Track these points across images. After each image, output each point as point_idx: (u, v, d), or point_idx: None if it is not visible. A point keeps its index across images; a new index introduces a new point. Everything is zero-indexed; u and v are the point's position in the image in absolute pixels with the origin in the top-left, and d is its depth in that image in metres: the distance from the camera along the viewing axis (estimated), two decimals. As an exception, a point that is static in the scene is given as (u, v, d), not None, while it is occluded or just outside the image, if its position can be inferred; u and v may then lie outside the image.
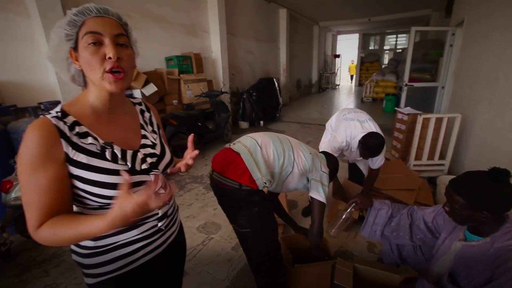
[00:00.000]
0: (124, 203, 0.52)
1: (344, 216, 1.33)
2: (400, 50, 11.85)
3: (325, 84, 12.77)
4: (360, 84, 13.26)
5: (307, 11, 8.23)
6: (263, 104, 5.73)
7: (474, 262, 1.00)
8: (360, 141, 1.83)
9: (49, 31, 2.55)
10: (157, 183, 0.56)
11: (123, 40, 0.63)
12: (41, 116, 0.61)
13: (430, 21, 7.59)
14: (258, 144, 1.20)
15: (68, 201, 0.62)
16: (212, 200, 2.74)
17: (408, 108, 3.12)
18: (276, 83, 6.21)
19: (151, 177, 0.70)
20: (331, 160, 1.45)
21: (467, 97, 2.82)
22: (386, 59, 13.64)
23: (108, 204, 0.65)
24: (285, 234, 2.01)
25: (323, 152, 1.50)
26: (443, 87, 4.28)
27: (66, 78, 0.68)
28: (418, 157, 2.76)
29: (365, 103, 8.64)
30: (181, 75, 4.01)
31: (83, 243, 0.69)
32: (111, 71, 0.60)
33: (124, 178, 0.54)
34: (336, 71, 13.68)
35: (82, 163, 0.60)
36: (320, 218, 1.30)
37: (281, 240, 1.54)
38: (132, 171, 0.66)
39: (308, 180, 1.30)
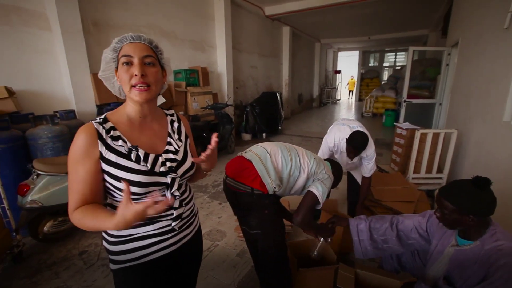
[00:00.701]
0: (125, 211, 0.62)
1: (321, 241, 1.49)
2: (399, 67, 12.18)
3: (326, 99, 13.02)
4: (360, 99, 13.52)
5: (309, 29, 8.57)
6: (265, 117, 5.89)
7: (467, 264, 1.09)
8: (346, 139, 1.95)
9: (68, 44, 2.77)
10: (155, 197, 0.65)
11: (149, 60, 0.76)
12: (90, 121, 0.77)
13: (428, 41, 7.89)
14: (267, 152, 1.31)
15: (99, 192, 0.76)
16: (217, 208, 2.81)
17: (407, 123, 3.24)
18: (278, 97, 6.40)
19: (167, 179, 0.80)
20: (336, 167, 1.54)
21: (463, 114, 2.95)
22: (385, 76, 13.97)
23: (132, 199, 0.74)
24: (289, 241, 2.07)
25: (328, 160, 1.60)
26: (440, 104, 4.43)
27: (114, 92, 0.85)
28: (416, 170, 2.85)
29: (365, 117, 8.82)
30: (188, 88, 4.18)
31: (110, 231, 0.81)
32: (136, 85, 0.74)
33: (124, 187, 0.63)
34: (336, 86, 13.99)
35: (111, 161, 0.73)
36: (306, 209, 1.31)
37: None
38: (150, 172, 0.77)
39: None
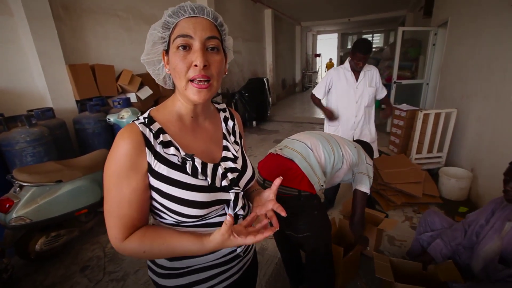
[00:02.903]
0: (227, 243, 0.52)
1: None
2: (376, 49, 12.41)
3: (308, 83, 13.02)
4: (340, 82, 13.68)
5: (290, 11, 8.34)
6: (255, 104, 5.73)
7: None
8: (350, 51, 2.13)
9: (36, 31, 2.37)
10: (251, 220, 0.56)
11: (214, 43, 0.56)
12: (131, 121, 0.59)
13: (406, 21, 8.01)
14: (308, 147, 1.19)
15: (147, 213, 0.60)
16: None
17: (404, 104, 3.27)
18: (266, 83, 6.22)
19: (230, 195, 0.63)
20: (366, 147, 1.50)
21: (458, 93, 3.01)
22: (363, 58, 14.21)
23: (185, 222, 0.60)
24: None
25: (357, 141, 1.54)
26: (427, 84, 4.53)
27: (158, 81, 0.66)
28: (418, 151, 2.89)
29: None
30: (175, 77, 3.87)
31: (159, 261, 0.66)
32: (195, 80, 0.55)
33: (227, 220, 0.51)
34: (317, 69, 14.00)
35: (162, 175, 0.57)
36: (362, 209, 1.33)
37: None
38: (211, 188, 0.60)
39: (353, 173, 1.32)
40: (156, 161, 0.56)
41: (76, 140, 2.64)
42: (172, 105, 0.64)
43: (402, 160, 2.76)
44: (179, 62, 0.55)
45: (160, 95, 3.66)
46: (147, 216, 0.60)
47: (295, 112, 7.54)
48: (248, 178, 0.70)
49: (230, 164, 0.67)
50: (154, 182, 0.57)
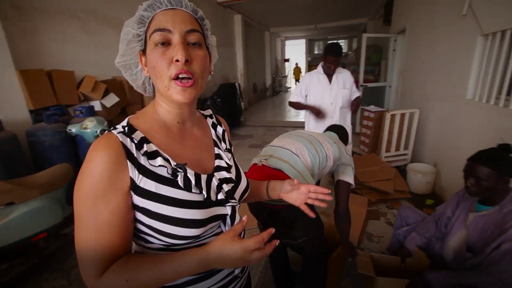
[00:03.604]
0: (233, 247, 0.47)
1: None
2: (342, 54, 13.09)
3: (278, 87, 13.27)
4: (309, 86, 14.17)
5: (259, 17, 8.47)
6: (227, 109, 5.67)
7: (486, 228, 1.17)
8: (322, 55, 2.24)
9: None
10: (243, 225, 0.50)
11: (195, 37, 0.50)
12: (107, 131, 0.50)
13: (367, 28, 8.57)
14: (294, 153, 1.17)
15: (130, 240, 0.51)
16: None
17: (372, 106, 3.45)
18: (237, 88, 6.20)
19: (227, 209, 0.57)
20: (339, 130, 1.58)
21: (419, 94, 3.25)
22: (329, 63, 14.88)
23: (177, 245, 0.52)
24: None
25: (330, 128, 1.60)
26: (390, 86, 4.86)
27: (137, 87, 0.59)
28: (387, 149, 3.05)
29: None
30: (143, 83, 3.67)
31: None
32: (177, 78, 0.49)
33: (243, 221, 0.49)
34: (287, 74, 14.35)
35: (149, 191, 0.48)
36: (346, 201, 1.32)
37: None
38: (207, 203, 0.53)
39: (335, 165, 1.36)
40: (141, 176, 0.48)
41: (31, 155, 2.35)
42: (154, 112, 0.56)
43: (373, 159, 2.90)
44: (158, 60, 0.48)
45: (128, 102, 3.44)
46: (130, 243, 0.51)
47: (268, 116, 7.62)
48: (243, 189, 0.64)
49: (224, 174, 0.61)
50: (140, 201, 0.48)
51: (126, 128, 0.51)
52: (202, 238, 0.55)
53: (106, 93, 3.06)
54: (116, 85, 3.27)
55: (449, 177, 2.49)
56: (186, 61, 0.48)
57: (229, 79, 7.43)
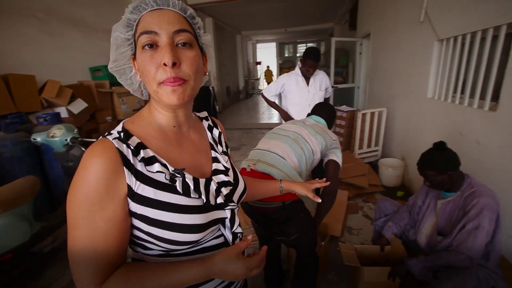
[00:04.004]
0: (236, 263, 0.49)
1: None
2: (310, 57, 13.57)
3: (251, 90, 13.38)
4: (281, 88, 14.49)
5: (231, 20, 8.49)
6: (203, 113, 5.59)
7: (452, 212, 1.32)
8: (301, 59, 2.32)
9: None
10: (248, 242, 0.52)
11: (184, 37, 0.48)
12: (101, 137, 0.48)
13: (334, 33, 9.02)
14: (280, 156, 1.20)
15: (126, 248, 0.50)
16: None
17: (344, 106, 3.63)
18: (212, 91, 6.15)
19: (226, 213, 0.57)
20: (324, 110, 1.56)
21: (385, 94, 3.50)
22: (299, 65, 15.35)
23: (177, 251, 0.52)
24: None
25: (314, 110, 1.58)
26: (358, 87, 5.16)
27: (134, 92, 0.57)
28: (360, 146, 3.24)
29: (292, 105, 9.50)
30: (113, 88, 3.49)
31: None
32: (166, 81, 0.47)
33: (247, 239, 0.51)
34: (259, 77, 14.53)
35: (147, 198, 0.47)
36: (336, 178, 1.36)
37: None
38: (206, 207, 0.53)
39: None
40: (138, 182, 0.47)
41: (-13, 168, 2.12)
42: (150, 115, 0.55)
43: (348, 156, 3.05)
44: (146, 64, 0.47)
45: (97, 108, 3.25)
46: (126, 251, 0.50)
47: (242, 119, 7.65)
48: (241, 191, 0.64)
49: (222, 177, 0.60)
50: (138, 208, 0.47)
51: (122, 134, 0.49)
52: (203, 242, 0.55)
53: (72, 99, 2.86)
54: (84, 90, 3.07)
55: (415, 169, 2.69)
56: (174, 64, 0.46)
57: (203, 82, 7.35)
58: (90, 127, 3.14)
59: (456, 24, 1.96)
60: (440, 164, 1.27)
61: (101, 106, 3.32)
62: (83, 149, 2.02)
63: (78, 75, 3.33)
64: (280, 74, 14.50)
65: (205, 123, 0.68)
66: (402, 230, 1.61)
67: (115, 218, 0.45)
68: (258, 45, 15.12)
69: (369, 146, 3.29)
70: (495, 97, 1.61)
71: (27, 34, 2.72)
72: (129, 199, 0.47)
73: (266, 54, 16.62)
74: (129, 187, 0.46)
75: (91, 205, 0.44)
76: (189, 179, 0.52)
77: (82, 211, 0.44)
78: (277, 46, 14.32)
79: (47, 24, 2.93)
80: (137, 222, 0.49)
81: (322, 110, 1.57)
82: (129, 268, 0.48)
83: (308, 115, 1.62)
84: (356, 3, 5.22)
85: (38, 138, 1.95)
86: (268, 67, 14.70)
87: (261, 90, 14.49)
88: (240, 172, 1.22)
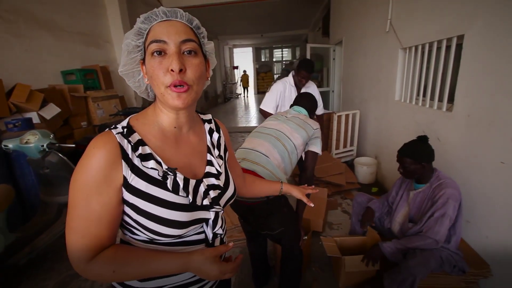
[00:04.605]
0: (211, 265, 0.55)
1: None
2: (287, 62, 13.99)
3: (229, 94, 13.43)
4: (259, 92, 14.70)
5: (207, 25, 8.50)
6: (182, 117, 5.53)
7: (422, 202, 1.48)
8: (294, 70, 2.35)
9: None
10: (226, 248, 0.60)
11: (190, 46, 0.54)
12: (107, 129, 0.54)
13: (308, 39, 9.39)
14: (263, 154, 1.27)
15: (116, 231, 0.56)
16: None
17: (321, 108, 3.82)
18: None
19: (210, 214, 0.61)
20: (306, 100, 1.61)
21: (358, 97, 3.75)
22: (275, 69, 15.72)
23: (160, 240, 0.57)
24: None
25: (296, 101, 1.63)
26: (333, 91, 5.43)
27: (141, 93, 0.62)
28: (336, 147, 3.43)
29: (270, 108, 9.69)
30: (87, 92, 3.37)
31: (128, 282, 0.61)
32: (172, 85, 0.53)
33: (228, 246, 0.59)
34: (236, 81, 14.61)
35: (139, 190, 0.53)
36: (313, 166, 1.45)
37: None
38: (192, 206, 0.58)
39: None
40: (133, 175, 0.52)
41: (-51, 179, 1.95)
42: (154, 115, 0.60)
43: (325, 156, 3.22)
44: (155, 69, 0.52)
45: (71, 113, 3.11)
46: (116, 234, 0.56)
47: (223, 122, 7.64)
48: (229, 196, 0.68)
49: (213, 180, 0.65)
50: (130, 198, 0.53)
51: (125, 130, 0.54)
52: (184, 237, 0.60)
53: (44, 104, 2.72)
54: (56, 95, 2.94)
55: (387, 166, 2.93)
56: (181, 70, 0.52)
57: (180, 86, 7.27)
58: (63, 133, 3.00)
59: (416, 35, 2.19)
60: (418, 154, 1.42)
61: (75, 111, 3.19)
62: (60, 155, 1.95)
63: (49, 79, 3.17)
64: (257, 78, 14.83)
65: (207, 126, 0.71)
66: (379, 217, 1.75)
67: (109, 204, 0.51)
68: (235, 50, 15.26)
69: (345, 146, 3.49)
70: (451, 99, 1.83)
71: (-8, 36, 2.56)
72: (123, 189, 0.52)
73: (243, 58, 16.79)
74: (125, 178, 0.52)
75: (89, 189, 0.49)
76: (179, 179, 0.57)
77: (81, 193, 0.49)
78: (254, 51, 14.56)
79: (14, 25, 2.77)
80: (127, 210, 0.54)
81: (304, 100, 1.63)
82: (116, 250, 0.54)
83: (291, 106, 1.67)
84: (328, 12, 5.52)
85: (10, 145, 1.84)
86: (244, 71, 14.52)
87: (239, 94, 14.60)
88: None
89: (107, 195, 0.50)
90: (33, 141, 1.84)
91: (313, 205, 0.95)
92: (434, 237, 1.32)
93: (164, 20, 0.54)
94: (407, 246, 1.38)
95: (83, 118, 3.31)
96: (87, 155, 0.50)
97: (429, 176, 1.47)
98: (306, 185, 1.03)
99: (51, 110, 2.75)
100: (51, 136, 1.95)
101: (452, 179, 1.43)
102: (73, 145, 2.11)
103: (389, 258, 1.42)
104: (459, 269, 1.40)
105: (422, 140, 1.47)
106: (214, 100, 11.43)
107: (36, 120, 2.57)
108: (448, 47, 1.87)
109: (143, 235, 0.56)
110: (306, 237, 1.66)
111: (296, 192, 0.99)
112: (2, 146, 1.87)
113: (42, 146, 1.82)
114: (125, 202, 0.53)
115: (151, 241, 0.57)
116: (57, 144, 1.88)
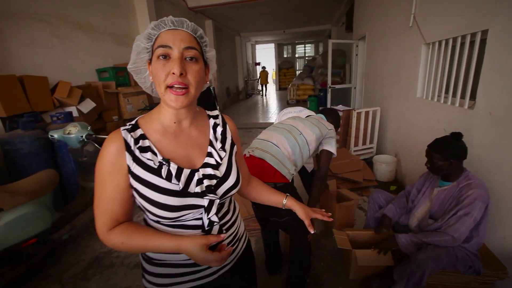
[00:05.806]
0: (198, 252, 0.60)
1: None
2: (309, 58, 13.77)
3: (251, 90, 13.52)
4: (280, 88, 14.65)
5: (230, 22, 8.65)
6: (204, 113, 5.73)
7: (446, 200, 1.45)
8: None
9: None
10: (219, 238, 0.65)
11: (192, 53, 0.61)
12: (119, 128, 0.66)
13: (331, 34, 9.20)
14: (275, 144, 1.36)
15: (130, 210, 0.67)
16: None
17: (341, 105, 3.80)
18: (213, 92, 6.31)
19: (204, 201, 0.66)
20: (331, 115, 1.74)
21: (379, 94, 3.67)
22: (297, 65, 15.55)
23: (161, 221, 0.66)
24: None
25: (322, 111, 1.76)
26: (355, 88, 5.33)
27: (146, 89, 0.72)
28: (355, 144, 3.40)
29: (291, 104, 9.66)
30: (119, 88, 3.64)
31: (150, 254, 0.72)
32: (173, 86, 0.60)
33: (220, 236, 0.65)
34: (258, 77, 14.68)
35: (139, 176, 0.62)
36: (327, 165, 1.52)
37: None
38: (183, 193, 0.64)
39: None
40: (134, 164, 0.62)
41: (5, 163, 2.27)
42: (158, 112, 0.68)
43: (344, 153, 3.21)
44: (159, 70, 0.59)
45: (104, 108, 3.40)
46: (130, 212, 0.67)
47: (242, 118, 7.80)
48: (229, 186, 0.71)
49: (209, 171, 0.69)
50: (134, 183, 0.63)
51: (130, 126, 0.65)
52: (183, 220, 0.67)
53: (81, 99, 3.01)
54: (92, 91, 3.22)
55: (407, 165, 2.87)
56: (181, 74, 0.59)
57: (203, 83, 7.50)
58: (97, 126, 3.29)
59: (440, 29, 2.13)
60: (447, 150, 1.38)
61: (108, 106, 3.47)
62: (96, 145, 2.17)
63: (85, 76, 3.48)
64: (279, 74, 14.76)
65: (212, 121, 0.77)
66: (399, 216, 1.75)
67: (118, 186, 0.62)
68: (257, 46, 15.30)
69: (364, 143, 3.45)
70: (473, 96, 1.78)
71: (37, 37, 2.86)
72: (129, 175, 0.62)
73: (265, 54, 16.81)
74: (128, 167, 0.62)
75: (104, 174, 0.62)
76: (173, 168, 0.64)
77: (100, 177, 0.62)
78: (276, 47, 14.50)
79: (56, 28, 3.08)
80: (134, 193, 0.64)
81: (330, 113, 1.80)
82: (127, 227, 0.65)
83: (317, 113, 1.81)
84: (352, 6, 5.40)
85: (55, 135, 2.09)
86: (264, 68, 13.29)
87: (260, 90, 14.57)
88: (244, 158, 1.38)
89: (117, 180, 0.62)
90: (74, 132, 2.08)
91: (313, 232, 0.89)
92: (452, 234, 1.30)
93: (171, 29, 0.61)
94: (423, 240, 1.38)
95: (114, 112, 3.60)
96: (103, 147, 0.62)
97: (457, 175, 1.43)
98: (316, 208, 0.96)
99: (88, 105, 3.03)
100: (89, 128, 2.18)
101: (482, 181, 1.38)
102: (107, 136, 2.33)
103: (402, 250, 1.42)
104: (474, 270, 1.37)
105: (455, 137, 1.42)
106: (236, 96, 11.60)
107: (75, 113, 2.86)
108: (472, 43, 1.81)
109: (151, 216, 0.66)
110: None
111: (300, 211, 0.92)
112: (49, 136, 2.13)
113: (82, 137, 2.04)
114: (132, 187, 0.63)
115: (158, 222, 0.67)
116: (94, 136, 2.09)
